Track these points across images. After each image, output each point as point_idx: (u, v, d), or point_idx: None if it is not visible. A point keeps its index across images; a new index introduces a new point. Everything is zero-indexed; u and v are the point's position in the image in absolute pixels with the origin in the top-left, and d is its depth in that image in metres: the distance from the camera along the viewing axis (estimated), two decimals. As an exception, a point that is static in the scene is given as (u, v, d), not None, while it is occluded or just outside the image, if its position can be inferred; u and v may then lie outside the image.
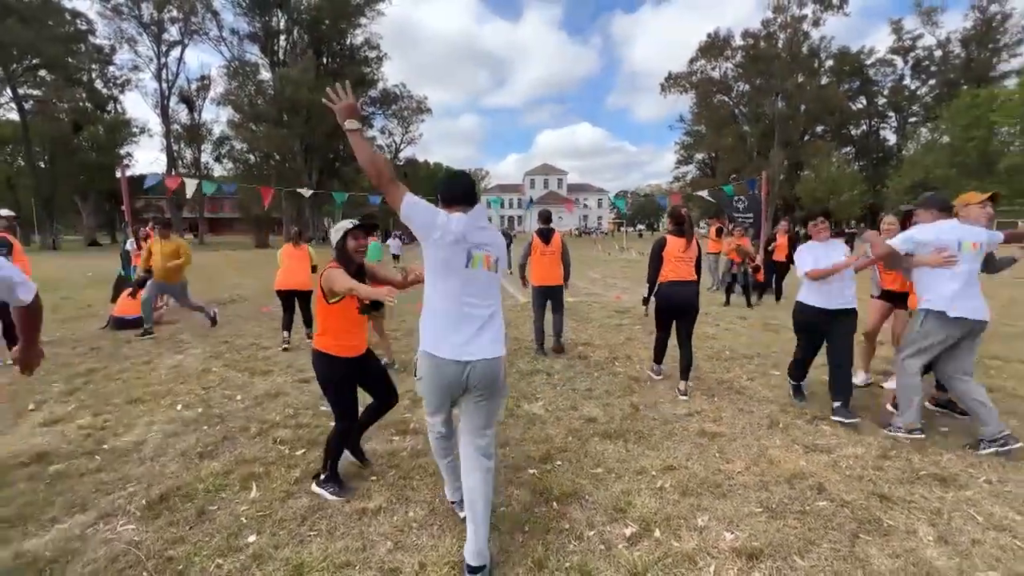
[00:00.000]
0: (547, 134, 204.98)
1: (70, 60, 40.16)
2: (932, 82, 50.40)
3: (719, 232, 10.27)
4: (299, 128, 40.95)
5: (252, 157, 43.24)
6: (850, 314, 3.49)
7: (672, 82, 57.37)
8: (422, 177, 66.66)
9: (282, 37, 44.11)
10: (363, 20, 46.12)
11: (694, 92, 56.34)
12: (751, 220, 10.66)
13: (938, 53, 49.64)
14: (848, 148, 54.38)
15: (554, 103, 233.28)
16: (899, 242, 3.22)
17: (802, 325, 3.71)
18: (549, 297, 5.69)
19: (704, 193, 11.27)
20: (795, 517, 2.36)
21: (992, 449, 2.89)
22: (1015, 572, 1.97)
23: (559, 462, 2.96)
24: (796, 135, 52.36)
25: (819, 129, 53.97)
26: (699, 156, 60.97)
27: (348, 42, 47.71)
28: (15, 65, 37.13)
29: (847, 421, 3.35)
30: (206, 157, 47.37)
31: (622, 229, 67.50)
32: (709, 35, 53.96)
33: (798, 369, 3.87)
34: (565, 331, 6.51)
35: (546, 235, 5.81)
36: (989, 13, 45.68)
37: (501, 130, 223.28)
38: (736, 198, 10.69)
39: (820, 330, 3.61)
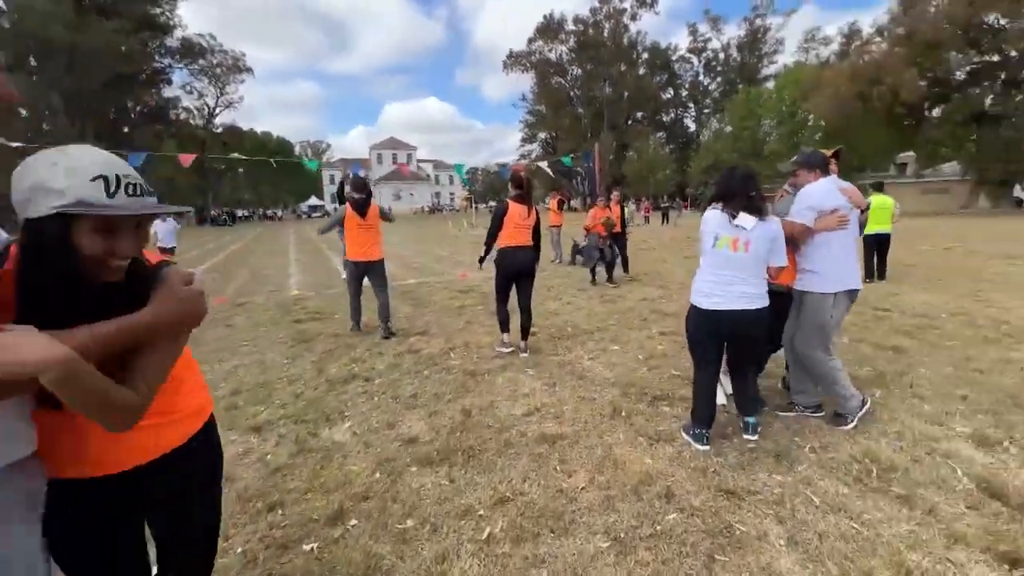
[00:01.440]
0: (395, 107, 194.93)
1: None
2: (719, 79, 60.17)
3: (560, 205, 10.29)
4: (56, 76, 31.30)
5: (-24, 112, 31.79)
6: None
7: (513, 60, 58.58)
8: (249, 148, 57.42)
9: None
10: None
11: (534, 72, 58.41)
12: (589, 191, 10.92)
13: (722, 55, 59.35)
14: (661, 133, 62.24)
15: (402, 74, 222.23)
16: (804, 211, 2.72)
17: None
18: (367, 273, 5.04)
19: (544, 164, 11.17)
20: (646, 546, 1.90)
21: (855, 422, 2.78)
22: (864, 571, 1.75)
23: (354, 521, 2.11)
24: (621, 119, 58.11)
25: (639, 115, 60.67)
26: (542, 135, 63.81)
27: (122, -29, 37.70)
28: None
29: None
30: None
31: (474, 206, 68.00)
32: (545, 17, 56.08)
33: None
34: (398, 319, 5.61)
35: (362, 206, 4.84)
36: (756, 25, 55.97)
37: (344, 100, 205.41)
38: (575, 169, 10.84)
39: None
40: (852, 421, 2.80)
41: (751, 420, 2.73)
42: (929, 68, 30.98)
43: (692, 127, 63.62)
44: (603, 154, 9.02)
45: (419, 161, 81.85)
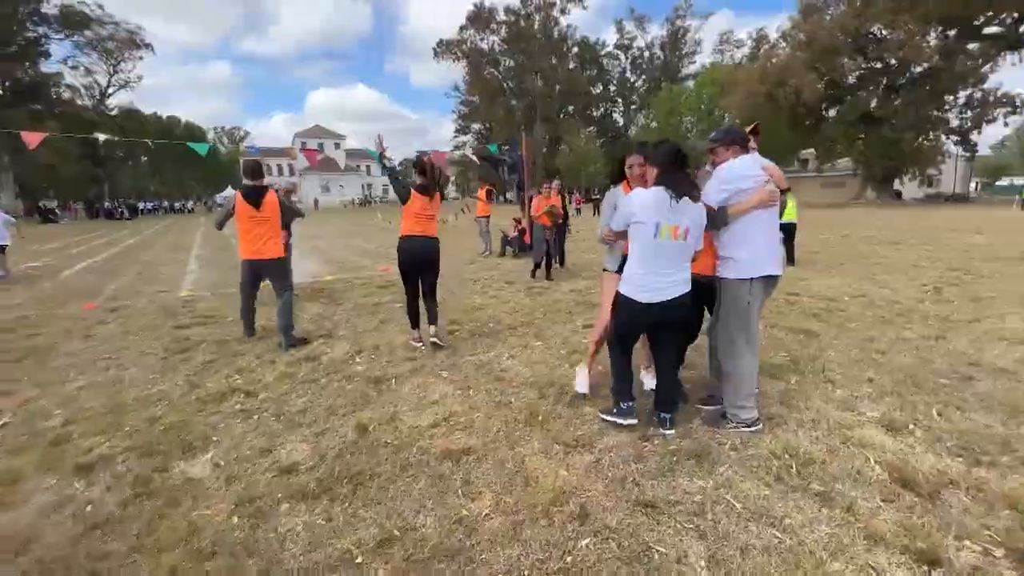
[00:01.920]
0: (321, 94, 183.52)
1: None
2: (644, 77, 62.53)
3: (489, 195, 9.94)
4: None
5: None
6: None
7: (444, 48, 57.08)
8: (154, 132, 51.45)
9: None
10: None
11: (465, 62, 57.35)
12: (517, 180, 10.67)
13: (647, 53, 61.67)
14: (592, 127, 63.71)
15: (328, 60, 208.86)
16: (719, 191, 2.53)
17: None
18: (264, 274, 4.40)
19: (469, 152, 10.76)
20: (554, 586, 1.61)
21: (737, 427, 2.62)
22: (789, 590, 1.57)
23: (188, 589, 1.64)
24: (554, 112, 58.71)
25: (571, 109, 61.63)
26: (476, 126, 62.99)
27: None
28: None
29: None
30: None
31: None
32: (475, 5, 55.09)
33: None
34: (304, 321, 5.00)
35: (255, 196, 4.20)
36: (677, 25, 58.63)
37: (265, 85, 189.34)
38: (502, 157, 10.50)
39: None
40: (731, 426, 2.61)
41: (668, 415, 2.60)
42: (825, 72, 33.97)
43: (621, 122, 65.70)
44: (532, 144, 8.84)
45: (348, 151, 77.97)
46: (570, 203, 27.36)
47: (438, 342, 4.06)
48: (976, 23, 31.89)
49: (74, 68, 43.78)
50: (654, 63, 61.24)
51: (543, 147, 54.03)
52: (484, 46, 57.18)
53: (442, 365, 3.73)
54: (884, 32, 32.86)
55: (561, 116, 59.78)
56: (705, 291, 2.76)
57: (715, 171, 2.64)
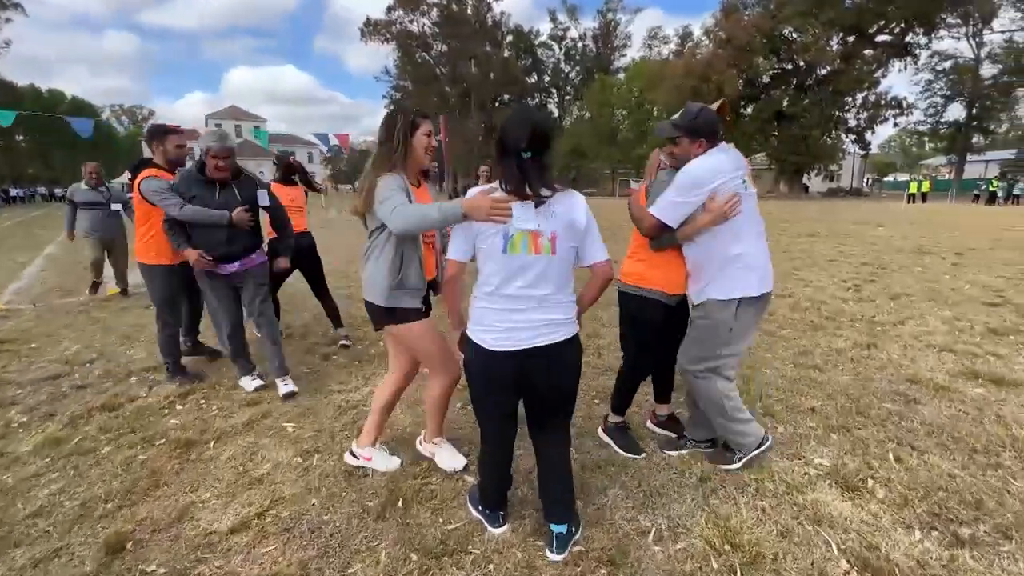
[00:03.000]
0: (242, 72, 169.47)
1: None
2: (578, 68, 62.91)
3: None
4: None
5: None
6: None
7: (372, 29, 53.91)
8: (32, 107, 43.96)
9: None
10: None
11: (395, 44, 54.57)
12: (436, 166, 9.70)
13: (580, 44, 62.01)
14: (528, 117, 63.16)
15: (250, 37, 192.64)
16: (671, 208, 1.98)
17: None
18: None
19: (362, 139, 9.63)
20: None
21: (746, 458, 2.16)
22: None
23: None
24: (489, 100, 57.59)
25: (506, 97, 60.79)
26: (408, 112, 60.18)
27: None
28: None
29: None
30: None
31: (335, 187, 61.99)
32: (403, -17, 52.36)
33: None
34: (135, 345, 3.83)
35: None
36: (608, 18, 59.37)
37: (175, 60, 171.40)
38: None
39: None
40: (740, 460, 2.17)
41: (559, 529, 1.69)
42: (744, 70, 35.67)
43: (556, 112, 65.87)
44: (448, 127, 7.96)
45: (271, 135, 71.98)
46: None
47: (346, 343, 3.99)
48: (870, 31, 34.79)
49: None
50: (587, 55, 61.71)
51: (479, 136, 52.80)
52: (414, 28, 54.72)
53: (293, 411, 2.81)
54: (795, 34, 34.98)
55: (496, 104, 58.78)
56: (678, 317, 2.24)
57: (677, 174, 1.99)
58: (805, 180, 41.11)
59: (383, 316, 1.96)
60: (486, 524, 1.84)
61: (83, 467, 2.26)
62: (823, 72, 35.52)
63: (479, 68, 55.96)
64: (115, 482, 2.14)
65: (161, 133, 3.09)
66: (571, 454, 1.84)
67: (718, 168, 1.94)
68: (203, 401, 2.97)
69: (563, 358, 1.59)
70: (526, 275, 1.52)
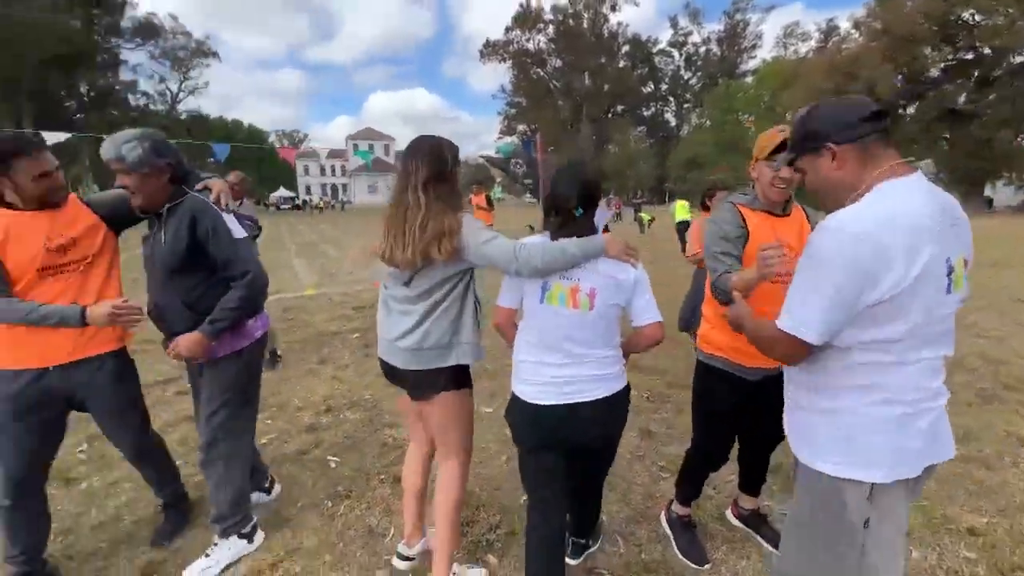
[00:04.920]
0: (380, 97, 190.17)
1: None
2: (699, 74, 59.44)
3: (489, 202, 8.91)
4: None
5: None
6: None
7: (490, 50, 56.81)
8: (218, 136, 54.43)
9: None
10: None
11: (511, 63, 56.77)
12: (532, 185, 9.60)
13: (703, 49, 58.60)
14: (642, 127, 61.39)
15: (388, 64, 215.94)
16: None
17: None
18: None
19: (477, 155, 9.82)
20: None
21: None
22: None
23: None
24: (601, 112, 57.03)
25: (620, 108, 59.69)
26: (521, 127, 62.34)
27: (62, -59, 34.86)
28: None
29: None
30: None
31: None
32: (521, 5, 54.42)
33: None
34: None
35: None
36: (735, 19, 55.26)
37: (328, 90, 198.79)
38: (514, 161, 9.43)
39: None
40: None
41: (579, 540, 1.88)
42: (903, 64, 30.46)
43: (673, 121, 62.88)
44: (544, 144, 7.86)
45: (397, 152, 79.38)
46: (608, 207, 25.88)
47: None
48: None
49: (150, 77, 46.92)
50: (710, 59, 58.04)
51: (590, 148, 52.43)
52: (530, 46, 56.41)
53: (343, 443, 2.80)
54: (977, 17, 28.99)
55: (609, 116, 57.98)
56: (764, 394, 1.69)
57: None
58: (988, 191, 33.68)
59: (453, 379, 1.63)
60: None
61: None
62: (1017, 60, 28.88)
63: (592, 80, 55.72)
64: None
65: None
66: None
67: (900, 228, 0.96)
68: (269, 421, 3.12)
69: (598, 417, 1.51)
70: (562, 328, 1.48)
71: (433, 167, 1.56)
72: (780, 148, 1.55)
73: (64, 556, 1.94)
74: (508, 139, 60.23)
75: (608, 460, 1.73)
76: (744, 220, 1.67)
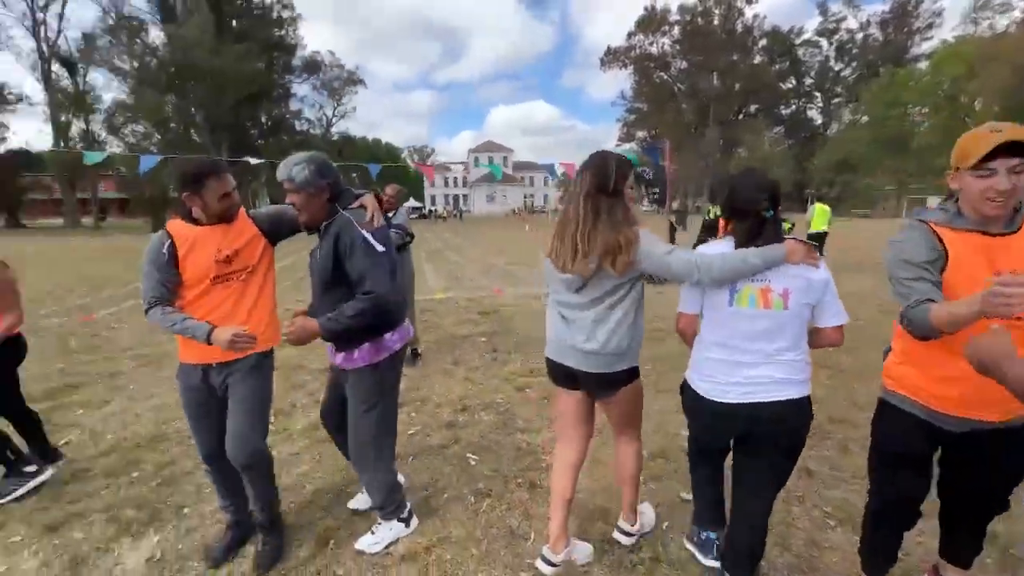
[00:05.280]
0: (500, 111, 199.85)
1: None
2: (854, 64, 51.96)
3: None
4: (200, 97, 36.15)
5: (140, 127, 37.52)
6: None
7: (611, 57, 56.07)
8: (362, 154, 62.06)
9: (176, -11, 38.51)
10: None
11: (633, 68, 55.38)
12: (657, 194, 9.25)
13: (859, 35, 51.16)
14: (779, 127, 55.52)
15: (509, 79, 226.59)
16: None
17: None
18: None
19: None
20: None
21: None
22: None
23: None
24: (731, 113, 52.85)
25: (753, 108, 54.72)
26: (640, 134, 60.46)
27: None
28: None
29: None
30: (96, 127, 40.66)
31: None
32: (646, 8, 52.87)
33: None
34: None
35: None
36: (906, -4, 47.22)
37: (454, 106, 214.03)
38: (642, 169, 9.14)
39: None
40: None
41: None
42: None
43: (818, 119, 55.84)
44: (673, 151, 7.45)
45: (515, 163, 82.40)
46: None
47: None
48: None
49: (311, 106, 55.03)
50: (869, 46, 50.41)
51: (716, 152, 48.85)
52: (653, 50, 54.44)
53: (479, 442, 2.95)
54: None
55: (740, 117, 53.48)
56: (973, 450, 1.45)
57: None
58: None
59: (628, 377, 1.77)
60: (698, 555, 1.94)
61: (324, 456, 2.82)
62: None
63: (722, 80, 51.92)
64: (337, 476, 2.61)
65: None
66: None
67: None
68: (413, 414, 3.41)
69: (785, 418, 1.55)
70: (754, 328, 1.54)
71: (596, 180, 1.65)
72: (995, 153, 1.25)
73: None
74: (626, 146, 58.97)
75: (783, 470, 1.64)
76: (941, 240, 1.37)
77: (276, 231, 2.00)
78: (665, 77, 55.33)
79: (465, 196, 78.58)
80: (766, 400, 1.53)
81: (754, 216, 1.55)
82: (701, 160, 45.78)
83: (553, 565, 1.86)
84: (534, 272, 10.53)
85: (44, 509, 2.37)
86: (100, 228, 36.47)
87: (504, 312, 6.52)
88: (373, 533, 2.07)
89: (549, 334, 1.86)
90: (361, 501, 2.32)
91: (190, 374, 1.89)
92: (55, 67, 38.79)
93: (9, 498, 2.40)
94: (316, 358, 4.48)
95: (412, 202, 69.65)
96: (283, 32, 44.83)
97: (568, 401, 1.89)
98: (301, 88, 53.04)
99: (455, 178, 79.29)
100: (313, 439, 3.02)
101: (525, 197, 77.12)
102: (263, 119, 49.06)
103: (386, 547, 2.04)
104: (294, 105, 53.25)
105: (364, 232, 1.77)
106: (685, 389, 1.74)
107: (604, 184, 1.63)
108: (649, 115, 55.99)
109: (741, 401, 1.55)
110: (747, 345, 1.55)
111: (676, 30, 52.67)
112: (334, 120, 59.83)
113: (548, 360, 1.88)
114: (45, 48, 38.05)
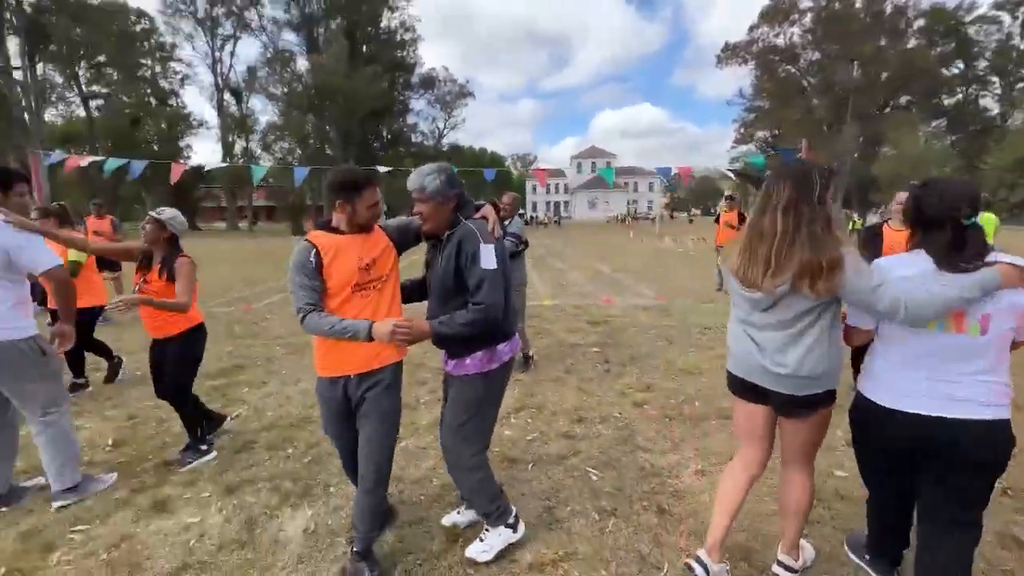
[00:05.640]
0: (605, 116, 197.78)
1: (141, 60, 42.00)
2: (1049, 39, 42.48)
3: (741, 219, 8.03)
4: (334, 116, 40.79)
5: (286, 144, 43.46)
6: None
7: (729, 53, 52.21)
8: (471, 164, 65.45)
9: (321, 24, 43.96)
10: (400, 2, 45.26)
11: (754, 63, 51.03)
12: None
13: (1059, 4, 41.68)
14: (940, 120, 47.34)
15: (614, 83, 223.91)
16: None
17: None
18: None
19: (724, 166, 9.03)
20: None
21: None
22: None
23: None
24: (874, 106, 46.26)
25: (903, 100, 47.34)
26: (760, 134, 55.50)
27: (384, 25, 47.01)
28: (81, 63, 39.35)
29: None
30: (254, 146, 48.08)
31: (671, 214, 63.12)
32: (772, -2, 48.36)
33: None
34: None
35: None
36: None
37: (558, 113, 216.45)
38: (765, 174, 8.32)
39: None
40: None
41: None
42: None
43: (994, 108, 46.61)
44: (813, 151, 6.64)
45: (618, 168, 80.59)
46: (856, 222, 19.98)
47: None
48: None
49: (426, 119, 59.10)
50: (1072, 14, 40.83)
51: (854, 152, 43.04)
52: (779, 42, 49.65)
53: (599, 457, 2.85)
54: None
55: (886, 110, 46.54)
56: None
57: None
58: None
59: (826, 399, 1.65)
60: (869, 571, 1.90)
61: (448, 452, 2.93)
62: None
63: (863, 70, 45.56)
64: (462, 475, 2.68)
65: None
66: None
67: None
68: (529, 420, 3.42)
69: (973, 437, 1.42)
70: (942, 352, 1.45)
71: (798, 190, 1.51)
72: None
73: (398, 501, 2.46)
74: (743, 147, 54.56)
75: (979, 497, 1.50)
76: None
77: (404, 241, 2.03)
78: (793, 71, 50.20)
79: (566, 203, 78.54)
80: (957, 417, 1.42)
81: (953, 225, 1.43)
82: (835, 160, 40.50)
83: (705, 569, 1.78)
84: (642, 281, 10.11)
85: (224, 472, 2.77)
86: (252, 231, 42.83)
87: (614, 323, 6.33)
88: (482, 540, 2.05)
89: (733, 349, 1.78)
90: (456, 516, 2.28)
91: (329, 388, 1.90)
92: (226, 96, 46.61)
93: (187, 468, 2.82)
94: (434, 355, 4.72)
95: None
96: (404, 53, 48.73)
97: (753, 412, 1.79)
98: (417, 104, 57.08)
99: (557, 184, 79.60)
100: (437, 435, 3.16)
101: (629, 203, 74.91)
102: (384, 133, 53.79)
103: (496, 553, 2.02)
104: (411, 119, 57.71)
105: (484, 245, 1.78)
106: (857, 403, 1.67)
107: (807, 194, 1.50)
108: (771, 113, 51.16)
109: (927, 413, 1.46)
110: (935, 365, 1.47)
111: (808, 18, 47.50)
112: (445, 131, 63.59)
113: (731, 374, 1.80)
114: (220, 81, 45.83)
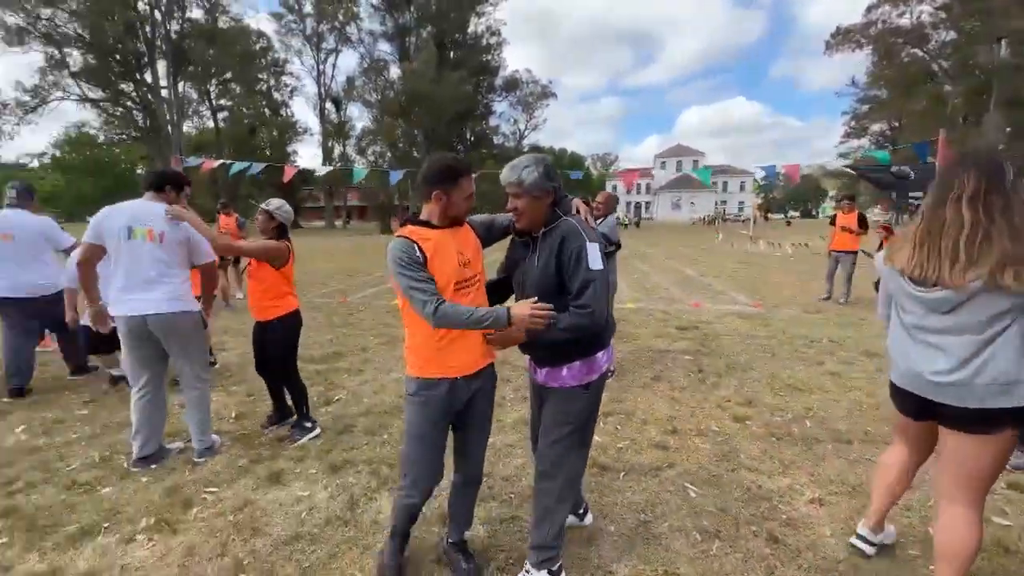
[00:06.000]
0: (692, 112, 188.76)
1: (258, 76, 47.38)
2: None
3: (862, 222, 7.16)
4: (422, 119, 42.84)
5: (379, 148, 46.37)
6: None
7: (841, 38, 47.14)
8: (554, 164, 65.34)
9: (412, 33, 46.42)
10: (487, 8, 46.45)
11: (871, 48, 45.62)
12: (919, 200, 7.28)
13: None
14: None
15: (702, 79, 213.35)
16: None
17: None
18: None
19: (842, 163, 8.08)
20: None
21: None
22: None
23: None
24: (1026, 91, 39.29)
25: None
26: (876, 127, 49.67)
27: (470, 30, 48.47)
28: (212, 80, 45.11)
29: None
30: (350, 150, 52.02)
31: (765, 216, 58.18)
32: (897, -28, 42.90)
33: None
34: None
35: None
36: None
37: (643, 111, 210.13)
38: (897, 169, 7.26)
39: None
40: None
41: None
42: None
43: None
44: (947, 146, 5.64)
45: (705, 167, 76.36)
46: None
47: None
48: None
49: (508, 121, 60.05)
50: None
51: (999, 144, 36.94)
52: (904, 22, 43.95)
53: (698, 474, 2.65)
54: None
55: (1041, 95, 39.29)
56: None
57: None
58: None
59: (1012, 419, 1.46)
60: None
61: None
62: None
63: (1012, 49, 38.84)
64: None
65: None
66: None
67: None
68: (619, 427, 3.29)
69: None
70: None
71: (987, 180, 1.36)
72: None
73: (488, 496, 2.47)
74: (856, 142, 49.12)
75: None
76: None
77: (488, 238, 1.92)
78: (920, 54, 44.25)
79: (647, 204, 75.81)
80: None
81: None
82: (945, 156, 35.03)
83: (872, 544, 1.92)
84: (735, 287, 9.43)
85: (328, 451, 2.97)
86: (347, 229, 46.28)
87: (705, 329, 5.94)
88: None
89: (896, 358, 1.65)
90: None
91: (435, 388, 1.73)
92: (327, 105, 50.80)
93: (296, 444, 3.07)
94: (515, 352, 4.72)
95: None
96: (489, 56, 49.89)
97: (916, 425, 1.73)
98: (500, 106, 58.18)
99: (639, 184, 77.02)
100: (523, 434, 3.15)
101: (717, 203, 70.49)
102: (467, 136, 55.48)
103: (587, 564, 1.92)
104: (492, 121, 58.93)
105: (590, 243, 1.63)
106: None
107: (998, 183, 1.36)
108: (889, 103, 45.48)
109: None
110: None
111: (941, -8, 41.53)
112: (526, 133, 64.13)
113: (894, 387, 1.70)
114: (322, 91, 50.06)
